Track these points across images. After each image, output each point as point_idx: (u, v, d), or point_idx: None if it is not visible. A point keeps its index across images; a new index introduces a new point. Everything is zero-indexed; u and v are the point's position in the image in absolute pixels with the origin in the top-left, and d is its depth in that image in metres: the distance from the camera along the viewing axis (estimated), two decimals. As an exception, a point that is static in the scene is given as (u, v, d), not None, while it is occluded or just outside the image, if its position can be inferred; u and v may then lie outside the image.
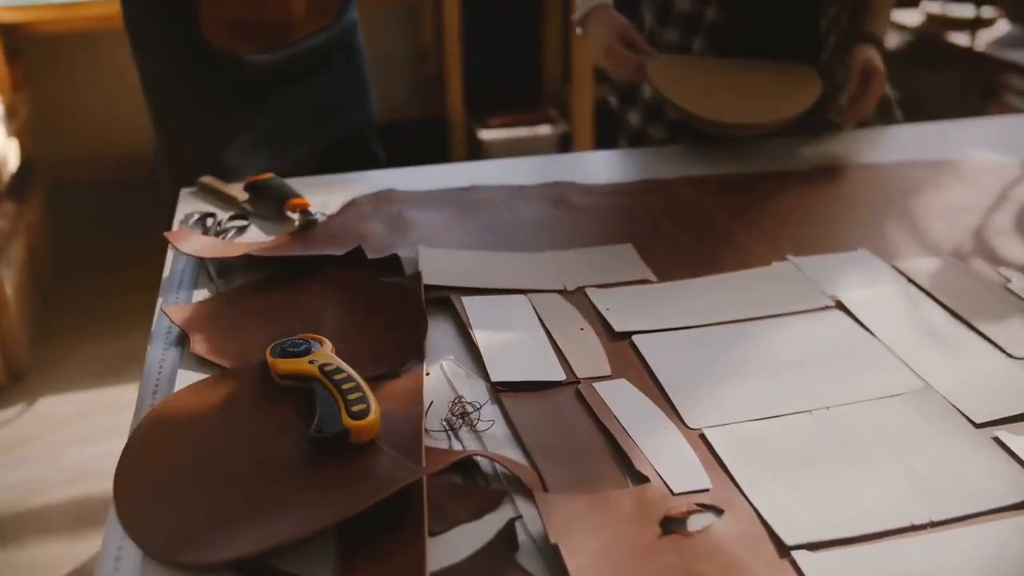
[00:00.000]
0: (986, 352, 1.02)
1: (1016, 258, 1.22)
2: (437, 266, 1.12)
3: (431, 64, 3.70)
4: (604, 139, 3.39)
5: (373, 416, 0.83)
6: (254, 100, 1.53)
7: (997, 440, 0.88)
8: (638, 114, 1.71)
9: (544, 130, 3.46)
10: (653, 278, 1.14)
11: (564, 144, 3.49)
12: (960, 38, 3.70)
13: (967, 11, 3.78)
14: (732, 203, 1.35)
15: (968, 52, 3.65)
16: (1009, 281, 1.16)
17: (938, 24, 3.74)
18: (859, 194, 1.40)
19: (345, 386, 0.87)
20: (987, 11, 3.86)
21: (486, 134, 3.38)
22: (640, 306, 1.07)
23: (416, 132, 3.52)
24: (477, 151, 3.40)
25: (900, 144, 1.61)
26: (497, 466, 0.83)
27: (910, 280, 1.15)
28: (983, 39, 3.73)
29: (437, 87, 3.60)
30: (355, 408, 0.84)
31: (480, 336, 1.00)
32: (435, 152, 3.32)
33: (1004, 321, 1.07)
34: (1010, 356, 1.01)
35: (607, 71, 1.57)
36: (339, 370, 0.89)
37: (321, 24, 1.57)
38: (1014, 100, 3.59)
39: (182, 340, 1.00)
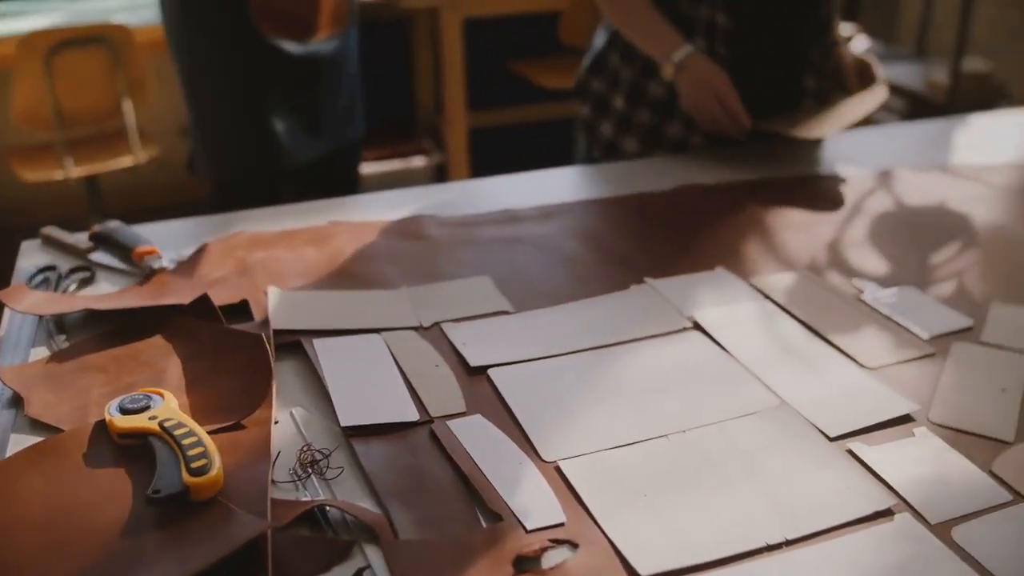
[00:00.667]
0: (841, 365, 1.02)
1: (869, 269, 1.24)
2: (288, 309, 1.09)
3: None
4: (479, 167, 3.39)
5: (215, 472, 0.79)
6: (290, 88, 1.63)
7: (851, 453, 0.88)
8: (611, 126, 1.71)
9: (419, 161, 3.44)
10: (510, 309, 1.12)
11: (440, 174, 3.48)
12: (821, 55, 3.79)
13: (827, 29, 3.87)
14: (589, 229, 1.34)
15: (830, 68, 3.73)
16: (862, 292, 1.18)
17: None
18: (718, 212, 1.41)
19: (186, 441, 0.83)
20: (845, 28, 3.97)
21: (362, 168, 3.35)
22: (497, 339, 1.05)
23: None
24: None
25: (757, 160, 1.62)
26: (347, 515, 0.80)
27: (766, 296, 1.16)
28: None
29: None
30: (196, 464, 0.80)
31: (331, 379, 0.97)
32: (318, 188, 3.27)
33: (857, 333, 1.08)
34: (863, 367, 1.02)
35: (701, 123, 1.59)
36: (180, 425, 0.85)
37: (335, 31, 1.69)
38: (876, 113, 3.69)
39: (16, 402, 0.95)
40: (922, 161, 1.65)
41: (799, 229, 1.36)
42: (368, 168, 3.37)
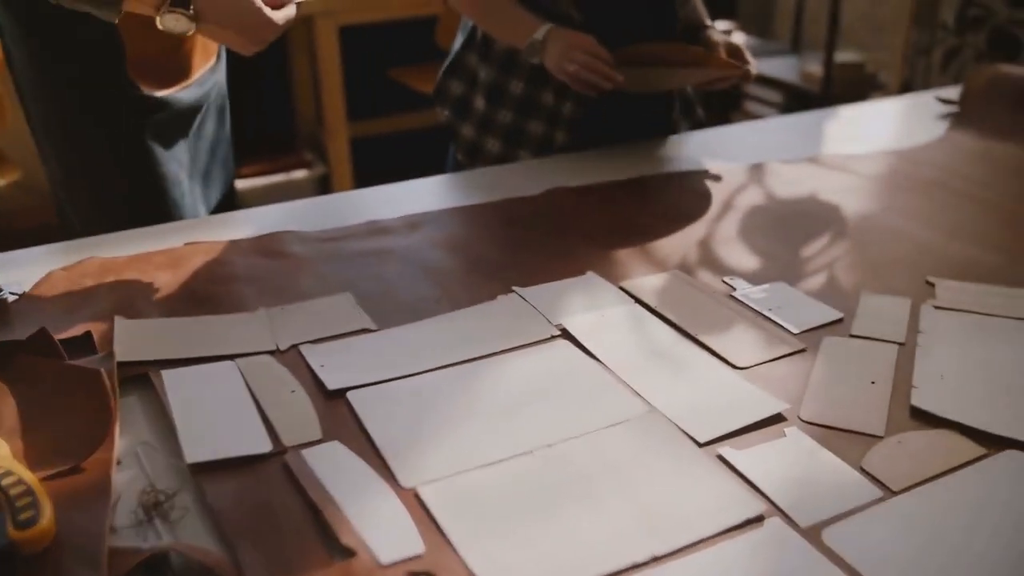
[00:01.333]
0: (711, 366, 1.00)
1: (740, 266, 1.23)
2: (134, 339, 1.03)
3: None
4: (363, 178, 3.33)
5: (45, 522, 0.73)
6: (167, 141, 1.46)
7: (721, 458, 0.85)
8: (472, 128, 1.69)
9: (300, 174, 3.37)
10: (373, 326, 1.08)
11: (323, 186, 3.41)
12: (699, 51, 3.82)
13: (703, 25, 3.90)
14: (457, 239, 1.30)
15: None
16: (734, 290, 1.16)
17: (678, 39, 3.85)
18: (587, 215, 1.38)
19: (13, 492, 0.77)
20: (722, 24, 4.01)
21: (239, 183, 3.26)
22: (357, 359, 1.01)
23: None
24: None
25: (627, 160, 1.60)
26: (191, 559, 0.75)
27: (636, 300, 1.13)
28: (720, 51, 3.85)
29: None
30: (23, 516, 0.74)
31: (178, 413, 0.91)
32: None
33: (728, 332, 1.06)
34: (734, 367, 1.00)
35: (576, 75, 1.51)
36: (8, 473, 0.79)
37: (207, 63, 1.51)
38: (752, 107, 3.74)
39: None
40: (794, 153, 1.65)
41: (670, 228, 1.34)
42: (248, 184, 3.29)
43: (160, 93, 1.40)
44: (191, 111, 1.46)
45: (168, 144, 1.44)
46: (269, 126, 3.63)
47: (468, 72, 1.69)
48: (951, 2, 3.41)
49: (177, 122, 1.45)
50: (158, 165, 1.42)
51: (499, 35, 1.60)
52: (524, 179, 1.52)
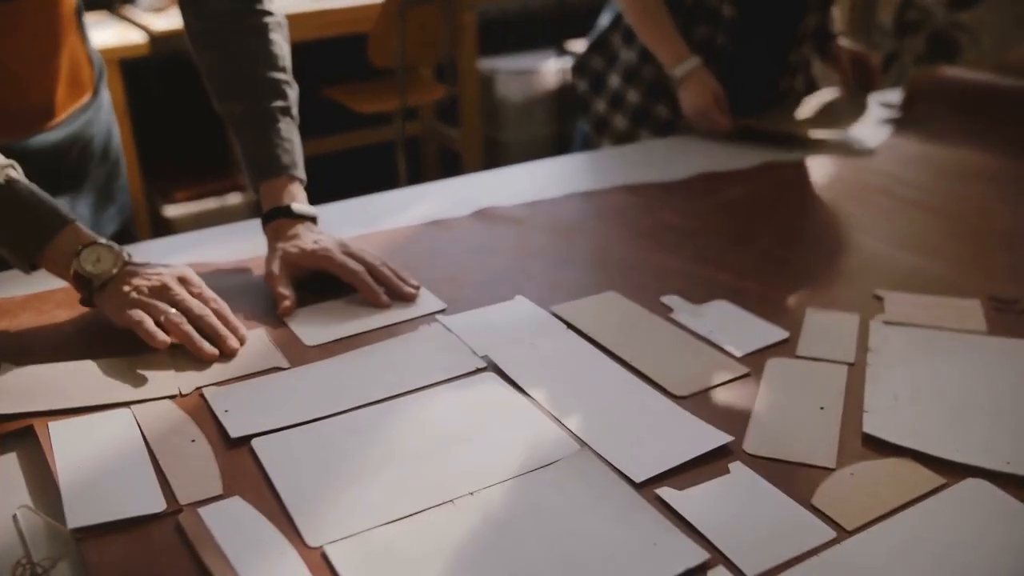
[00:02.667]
0: (649, 397, 0.93)
1: (677, 284, 1.16)
2: (18, 387, 0.94)
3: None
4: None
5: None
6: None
7: (659, 500, 0.78)
8: (604, 103, 1.88)
9: (235, 199, 3.27)
10: (286, 364, 0.99)
11: (258, 211, 3.31)
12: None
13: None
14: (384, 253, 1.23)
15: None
16: (671, 311, 1.09)
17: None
18: (516, 235, 1.31)
19: None
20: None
21: (171, 210, 3.15)
22: (265, 401, 0.92)
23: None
24: (163, 230, 3.16)
25: (551, 176, 1.54)
26: (67, 642, 0.66)
27: (569, 326, 1.06)
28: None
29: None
30: None
31: (63, 470, 0.82)
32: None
33: (667, 358, 0.99)
34: (674, 397, 0.93)
35: (696, 126, 1.74)
36: None
37: (79, 101, 1.36)
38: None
39: None
40: (733, 159, 1.59)
41: (604, 247, 1.27)
42: (180, 209, 3.18)
43: (5, 140, 1.26)
44: (57, 155, 1.34)
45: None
46: (201, 150, 3.52)
47: (610, 51, 1.86)
48: (889, 6, 3.39)
49: (43, 169, 1.32)
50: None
51: (647, 42, 1.75)
52: (450, 196, 1.44)
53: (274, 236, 1.18)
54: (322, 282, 1.13)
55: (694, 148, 1.68)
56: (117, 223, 1.47)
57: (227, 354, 1.00)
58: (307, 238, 1.16)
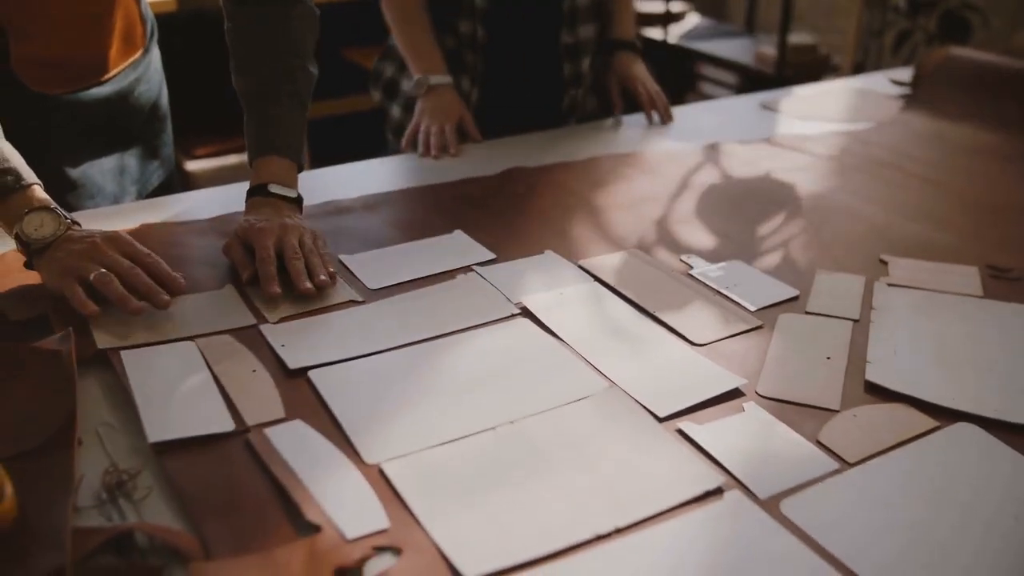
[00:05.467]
0: (670, 343, 1.01)
1: (696, 243, 1.24)
2: (106, 324, 1.02)
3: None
4: (318, 158, 3.30)
5: (6, 504, 0.73)
6: (70, 143, 1.39)
7: (680, 432, 0.86)
8: (399, 108, 1.77)
9: (256, 157, 3.33)
10: (360, 298, 1.09)
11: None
12: (654, 32, 3.84)
13: (658, 7, 3.93)
14: (415, 219, 1.31)
15: (663, 45, 3.79)
16: (691, 268, 1.17)
17: (633, 21, 3.88)
18: (545, 195, 1.39)
19: (-28, 474, 0.76)
20: (676, 6, 4.03)
21: (192, 165, 3.22)
22: (316, 339, 1.01)
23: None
24: (184, 184, 3.23)
25: (583, 141, 1.61)
26: (155, 538, 0.75)
27: (595, 278, 1.14)
28: (675, 32, 3.88)
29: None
30: (-17, 497, 0.74)
31: (139, 393, 0.91)
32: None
33: (686, 310, 1.07)
34: (692, 344, 1.01)
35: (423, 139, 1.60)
36: (-33, 456, 0.78)
37: (131, 58, 1.44)
38: (707, 88, 3.76)
39: None
40: (749, 134, 1.67)
41: (627, 208, 1.35)
42: (201, 165, 3.25)
43: (59, 92, 1.34)
44: (109, 109, 1.41)
45: (82, 145, 1.40)
46: (222, 106, 3.59)
47: (398, 57, 1.74)
48: (902, -15, 3.45)
49: (93, 123, 1.40)
50: (71, 169, 1.38)
51: (402, 50, 1.68)
52: (481, 160, 1.52)
53: (247, 210, 1.22)
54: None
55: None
56: (162, 176, 1.55)
57: (159, 307, 1.04)
58: (265, 215, 1.18)
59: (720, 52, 3.75)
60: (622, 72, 1.75)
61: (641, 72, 1.76)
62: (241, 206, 1.24)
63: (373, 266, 1.16)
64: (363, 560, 0.71)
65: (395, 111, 1.78)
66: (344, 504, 0.77)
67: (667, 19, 3.86)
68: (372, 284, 1.12)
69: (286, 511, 0.77)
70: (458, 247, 1.21)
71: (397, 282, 1.13)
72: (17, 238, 1.07)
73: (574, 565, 0.72)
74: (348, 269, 1.16)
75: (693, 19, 4.10)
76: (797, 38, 3.57)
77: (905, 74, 2.01)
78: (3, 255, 1.17)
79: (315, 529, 0.74)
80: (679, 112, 1.79)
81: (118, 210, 1.34)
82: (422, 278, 1.14)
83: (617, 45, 1.76)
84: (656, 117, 1.74)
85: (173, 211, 1.33)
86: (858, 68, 3.50)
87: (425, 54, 1.64)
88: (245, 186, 1.26)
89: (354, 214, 1.31)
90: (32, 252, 1.07)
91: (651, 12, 3.92)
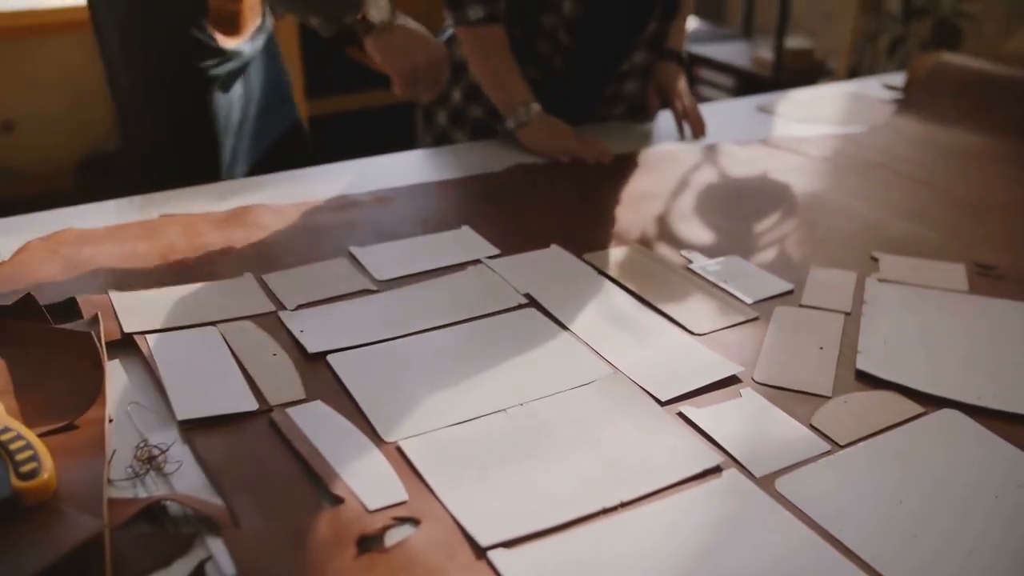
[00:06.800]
0: (671, 332, 1.06)
1: (696, 239, 1.29)
2: (132, 309, 1.06)
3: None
4: (322, 155, 3.34)
5: (46, 475, 0.77)
6: (226, 89, 1.60)
7: (681, 415, 0.91)
8: (446, 115, 1.76)
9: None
10: (374, 287, 1.14)
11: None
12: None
13: (656, 10, 3.95)
14: (425, 213, 1.35)
15: (661, 49, 3.82)
16: (690, 263, 1.22)
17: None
18: (551, 191, 1.44)
19: (13, 446, 0.80)
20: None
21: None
22: (334, 325, 1.05)
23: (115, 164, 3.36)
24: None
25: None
26: (187, 508, 0.79)
27: (599, 271, 1.19)
28: (673, 36, 3.91)
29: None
30: (24, 468, 0.78)
31: (166, 373, 0.95)
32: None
33: (686, 302, 1.12)
34: (692, 334, 1.06)
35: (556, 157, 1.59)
36: (6, 429, 0.82)
37: (255, 19, 1.63)
38: (705, 91, 3.81)
39: None
40: (746, 135, 1.71)
41: (629, 205, 1.40)
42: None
43: (230, 45, 1.52)
44: (245, 64, 1.59)
45: (226, 90, 1.57)
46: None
47: (452, 65, 1.68)
48: (897, -8, 3.50)
49: (237, 73, 1.58)
50: (219, 108, 1.56)
51: (487, 88, 1.63)
52: (488, 157, 1.57)
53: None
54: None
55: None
56: (288, 124, 1.79)
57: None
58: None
59: (717, 56, 3.80)
60: (663, 81, 1.76)
61: (683, 86, 1.76)
62: (253, 199, 1.28)
63: (382, 258, 1.21)
64: (384, 529, 0.76)
65: (441, 118, 1.77)
66: (365, 478, 0.82)
67: (665, 22, 3.90)
68: (380, 276, 1.17)
69: (310, 484, 0.82)
70: (464, 243, 1.26)
71: (404, 274, 1.17)
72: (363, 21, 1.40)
73: (582, 536, 0.76)
74: (358, 261, 1.21)
75: (691, 23, 4.14)
76: (793, 42, 3.62)
77: (898, 79, 2.06)
78: (27, 244, 1.21)
79: (339, 501, 0.79)
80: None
81: (131, 203, 1.38)
82: (429, 271, 1.19)
83: (665, 53, 1.76)
84: (688, 132, 1.74)
85: (186, 202, 1.37)
86: (853, 73, 3.56)
87: (514, 88, 1.60)
88: (254, 180, 1.30)
89: (366, 208, 1.36)
90: (374, 33, 1.43)
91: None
